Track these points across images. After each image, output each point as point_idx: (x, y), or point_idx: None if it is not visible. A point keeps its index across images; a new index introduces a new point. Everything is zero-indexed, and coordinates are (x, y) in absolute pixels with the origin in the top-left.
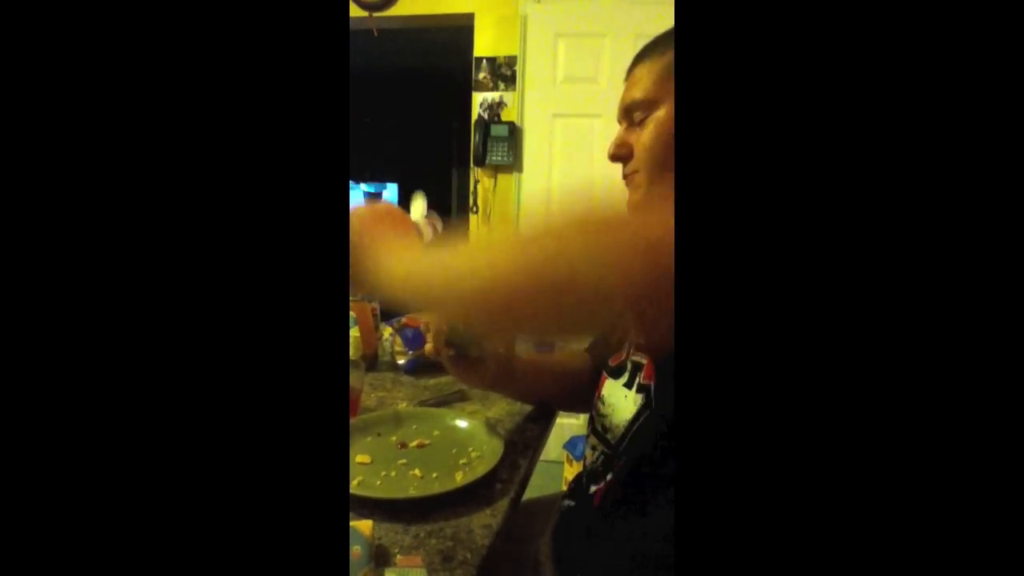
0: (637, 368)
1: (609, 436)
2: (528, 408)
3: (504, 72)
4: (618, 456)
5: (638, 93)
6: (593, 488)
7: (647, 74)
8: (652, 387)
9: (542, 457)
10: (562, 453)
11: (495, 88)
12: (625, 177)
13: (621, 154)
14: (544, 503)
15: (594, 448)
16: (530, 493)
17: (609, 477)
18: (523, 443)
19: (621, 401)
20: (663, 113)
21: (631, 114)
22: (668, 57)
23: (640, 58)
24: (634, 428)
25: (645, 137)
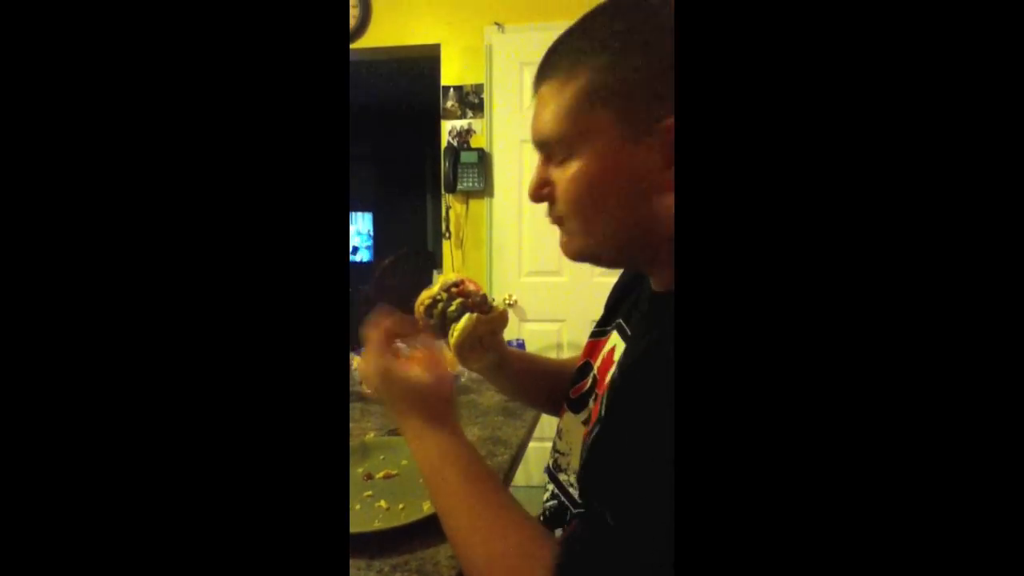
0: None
1: (562, 478)
2: (499, 432)
3: (472, 100)
4: (576, 507)
5: (548, 126)
6: None
7: (554, 99)
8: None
9: (524, 483)
10: (543, 478)
11: (463, 116)
12: (554, 220)
13: (542, 195)
14: None
15: (546, 488)
16: None
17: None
18: (495, 468)
19: (580, 441)
20: (582, 161)
21: (547, 149)
22: (581, 80)
23: (544, 75)
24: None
25: (565, 184)
